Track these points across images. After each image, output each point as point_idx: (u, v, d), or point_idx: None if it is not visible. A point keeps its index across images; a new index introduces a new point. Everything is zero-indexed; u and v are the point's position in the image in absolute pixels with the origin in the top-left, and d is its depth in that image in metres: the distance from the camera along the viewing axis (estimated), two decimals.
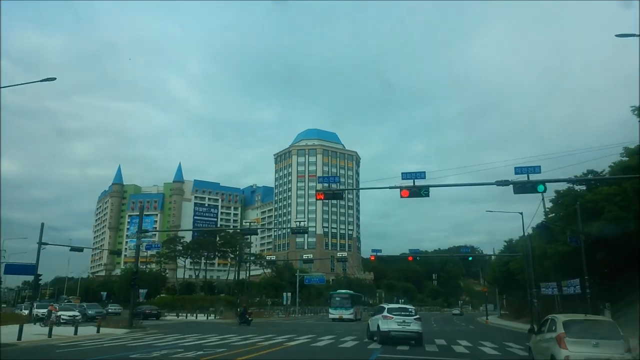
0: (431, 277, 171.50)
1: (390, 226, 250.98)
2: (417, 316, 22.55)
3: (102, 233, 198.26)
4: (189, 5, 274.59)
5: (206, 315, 52.13)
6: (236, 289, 63.01)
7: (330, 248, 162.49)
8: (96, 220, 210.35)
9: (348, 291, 56.48)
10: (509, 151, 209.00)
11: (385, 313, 22.34)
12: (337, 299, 50.71)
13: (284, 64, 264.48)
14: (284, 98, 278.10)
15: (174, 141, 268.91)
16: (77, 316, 40.90)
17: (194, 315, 55.77)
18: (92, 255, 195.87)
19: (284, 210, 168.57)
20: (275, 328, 35.20)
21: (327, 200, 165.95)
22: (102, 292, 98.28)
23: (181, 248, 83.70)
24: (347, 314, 48.52)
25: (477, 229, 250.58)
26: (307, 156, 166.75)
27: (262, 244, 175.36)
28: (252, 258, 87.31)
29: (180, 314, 57.19)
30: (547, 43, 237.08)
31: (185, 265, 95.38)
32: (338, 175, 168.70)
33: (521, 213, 42.83)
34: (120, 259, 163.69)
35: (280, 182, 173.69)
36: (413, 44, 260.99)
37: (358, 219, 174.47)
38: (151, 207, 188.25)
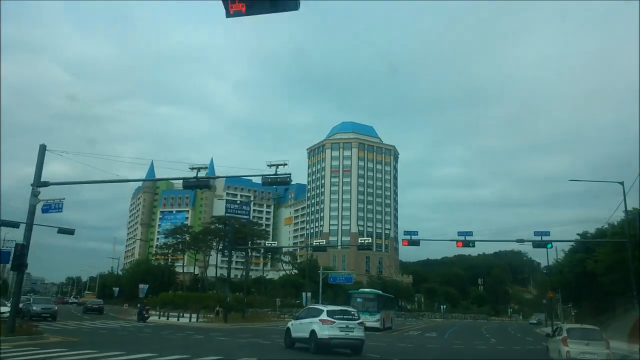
0: (475, 283, 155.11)
1: (429, 230, 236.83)
2: (360, 320, 19.80)
3: (135, 229, 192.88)
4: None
5: (189, 316, 40.85)
6: (249, 287, 51.20)
7: (365, 248, 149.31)
8: (130, 216, 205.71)
9: (373, 290, 43.25)
10: (555, 156, 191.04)
11: (324, 317, 18.64)
12: (359, 300, 37.31)
13: (320, 67, 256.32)
14: (321, 102, 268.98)
15: (213, 145, 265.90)
16: (3, 313, 30.31)
17: (189, 315, 44.33)
18: (125, 251, 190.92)
19: (317, 207, 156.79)
20: (170, 336, 24.92)
21: (362, 198, 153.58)
22: (114, 288, 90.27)
23: (188, 238, 73.21)
24: (371, 320, 35.72)
25: (523, 234, 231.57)
26: (341, 150, 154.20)
27: (294, 243, 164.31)
28: (267, 253, 75.59)
29: (172, 315, 46.00)
30: (596, 45, 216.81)
31: (199, 261, 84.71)
32: (375, 170, 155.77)
33: (621, 183, 29.38)
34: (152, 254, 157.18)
35: (314, 177, 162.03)
36: (451, 46, 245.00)
37: (396, 217, 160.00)
38: (182, 204, 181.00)
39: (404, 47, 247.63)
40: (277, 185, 19.84)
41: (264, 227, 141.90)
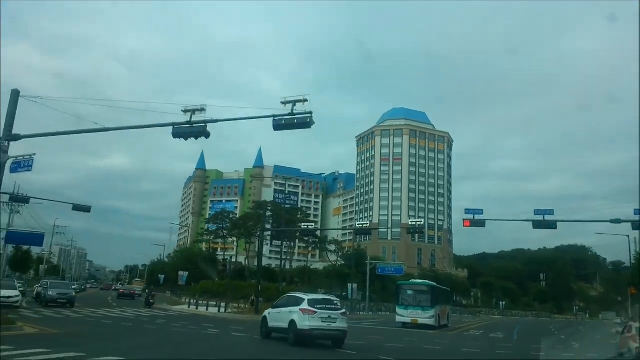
0: (535, 278, 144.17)
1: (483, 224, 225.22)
2: (343, 310, 17.93)
3: (187, 219, 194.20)
4: (280, 6, 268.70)
5: (219, 306, 36.50)
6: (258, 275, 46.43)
7: (417, 240, 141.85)
8: (182, 206, 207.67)
9: (426, 282, 36.94)
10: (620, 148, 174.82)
11: (305, 306, 16.92)
12: (409, 292, 31.49)
13: (372, 59, 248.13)
14: (372, 95, 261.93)
15: (264, 138, 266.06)
16: (11, 297, 27.15)
17: (220, 305, 40.05)
18: (177, 240, 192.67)
19: (366, 197, 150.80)
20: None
21: (413, 187, 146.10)
22: (159, 275, 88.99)
23: (229, 224, 69.60)
24: (424, 316, 30.06)
25: (585, 230, 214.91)
26: (392, 137, 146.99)
27: (343, 234, 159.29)
28: (313, 241, 70.75)
29: (202, 304, 42.02)
30: None
31: (251, 251, 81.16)
32: (427, 158, 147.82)
33: None
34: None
35: (363, 166, 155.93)
36: (505, 37, 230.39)
37: (450, 208, 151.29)
38: (232, 193, 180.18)
39: (458, 37, 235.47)
40: (294, 128, 14.51)
41: (311, 217, 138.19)
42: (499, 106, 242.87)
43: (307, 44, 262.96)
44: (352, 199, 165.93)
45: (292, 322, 16.89)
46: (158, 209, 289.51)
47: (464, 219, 27.04)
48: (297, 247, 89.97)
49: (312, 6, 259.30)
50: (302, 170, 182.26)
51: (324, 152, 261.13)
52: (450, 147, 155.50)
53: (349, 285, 52.83)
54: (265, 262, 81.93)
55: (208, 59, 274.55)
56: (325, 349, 16.77)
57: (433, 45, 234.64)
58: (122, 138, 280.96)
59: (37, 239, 47.28)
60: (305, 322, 16.53)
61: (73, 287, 41.74)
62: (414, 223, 39.03)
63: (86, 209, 28.89)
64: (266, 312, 19.63)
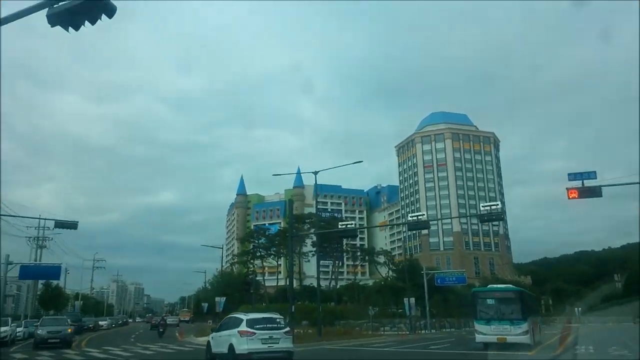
0: (606, 280, 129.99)
1: (539, 229, 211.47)
2: (287, 329, 16.44)
3: (232, 245, 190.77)
4: (309, 30, 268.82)
5: None
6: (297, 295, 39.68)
7: (472, 248, 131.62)
8: (226, 233, 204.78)
9: (510, 286, 28.52)
10: None
11: (243, 327, 15.45)
12: (490, 302, 23.39)
13: (404, 73, 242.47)
14: (407, 108, 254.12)
15: (305, 160, 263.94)
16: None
17: None
18: (223, 268, 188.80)
19: (412, 208, 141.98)
20: None
21: (462, 193, 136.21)
22: (202, 304, 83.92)
23: (264, 241, 63.46)
24: (515, 332, 22.09)
25: None
26: (433, 143, 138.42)
27: (392, 248, 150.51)
28: (360, 255, 63.45)
29: None
30: None
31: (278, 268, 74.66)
32: (473, 161, 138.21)
33: None
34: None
35: (405, 176, 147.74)
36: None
37: (503, 211, 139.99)
38: (274, 216, 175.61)
39: (496, 41, 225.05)
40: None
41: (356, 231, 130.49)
42: (541, 106, 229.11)
43: (337, 65, 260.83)
44: (397, 211, 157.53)
45: (231, 346, 15.42)
46: (208, 239, 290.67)
47: (568, 189, 19.40)
48: (345, 266, 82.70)
49: (337, 27, 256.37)
50: (342, 187, 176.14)
51: (363, 171, 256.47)
52: (497, 147, 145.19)
53: (406, 300, 45.08)
54: (309, 282, 75.21)
55: (245, 90, 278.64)
56: None
57: (471, 51, 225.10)
58: (167, 174, 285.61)
59: (53, 272, 41.95)
60: (243, 346, 14.98)
61: (72, 322, 36.11)
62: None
63: (72, 226, 23.53)
64: (210, 337, 17.94)
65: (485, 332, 23.26)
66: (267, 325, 15.79)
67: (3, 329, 24.54)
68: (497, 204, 26.01)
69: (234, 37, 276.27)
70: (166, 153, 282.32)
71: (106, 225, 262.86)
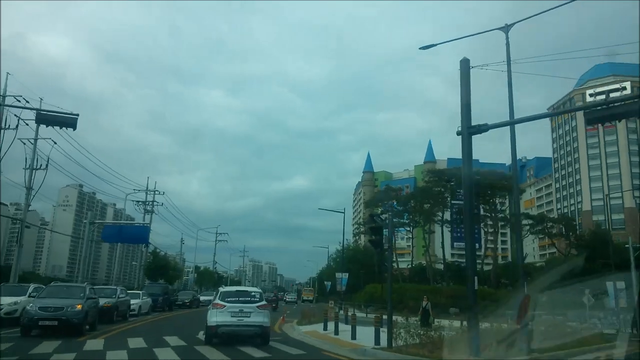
0: None
1: None
2: (263, 302, 15.17)
3: (359, 224, 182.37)
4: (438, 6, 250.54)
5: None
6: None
7: None
8: (353, 213, 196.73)
9: None
10: None
11: (216, 300, 15.08)
12: None
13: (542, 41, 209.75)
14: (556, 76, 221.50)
15: (434, 141, 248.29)
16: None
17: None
18: (345, 242, 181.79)
19: (570, 180, 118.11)
20: None
21: (636, 160, 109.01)
22: (325, 282, 75.02)
23: (395, 205, 50.92)
24: None
25: None
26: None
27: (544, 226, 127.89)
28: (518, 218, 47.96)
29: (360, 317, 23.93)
30: None
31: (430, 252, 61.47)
32: None
33: None
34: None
35: (560, 142, 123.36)
36: None
37: None
38: (404, 193, 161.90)
39: None
40: None
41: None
42: None
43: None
44: (547, 186, 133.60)
45: (206, 319, 14.97)
46: (336, 223, 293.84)
47: None
48: (499, 236, 66.60)
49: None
50: (480, 160, 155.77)
51: (500, 147, 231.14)
52: None
53: (609, 284, 29.41)
54: (452, 257, 61.13)
55: (370, 75, 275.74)
56: None
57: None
58: (297, 160, 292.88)
59: (138, 234, 38.38)
60: (212, 318, 14.35)
61: (152, 294, 26.91)
62: None
63: (69, 122, 13.52)
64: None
65: None
66: (240, 299, 14.87)
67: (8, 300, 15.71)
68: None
69: (358, 22, 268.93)
70: (296, 140, 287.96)
71: (245, 209, 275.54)
